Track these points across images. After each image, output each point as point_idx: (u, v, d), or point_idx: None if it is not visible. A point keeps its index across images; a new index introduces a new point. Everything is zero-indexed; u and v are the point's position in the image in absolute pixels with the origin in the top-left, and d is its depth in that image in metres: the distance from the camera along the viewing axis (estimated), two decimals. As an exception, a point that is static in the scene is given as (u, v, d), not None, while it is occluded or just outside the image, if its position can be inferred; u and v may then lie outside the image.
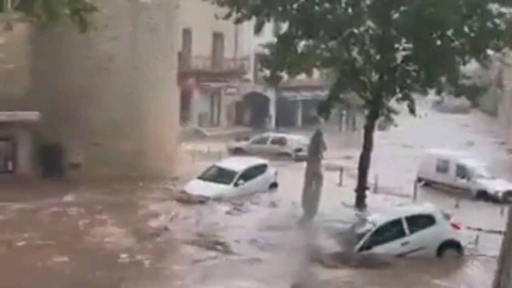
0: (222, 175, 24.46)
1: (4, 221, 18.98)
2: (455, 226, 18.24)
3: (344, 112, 45.99)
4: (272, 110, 51.41)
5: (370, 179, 24.91)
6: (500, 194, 26.39)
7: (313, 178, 21.07)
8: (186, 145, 32.79)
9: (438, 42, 20.98)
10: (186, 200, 22.80)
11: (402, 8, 21.09)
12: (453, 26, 20.13)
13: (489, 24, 20.22)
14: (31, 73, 23.74)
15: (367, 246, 17.21)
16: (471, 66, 23.87)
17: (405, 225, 17.52)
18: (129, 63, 24.24)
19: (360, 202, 23.32)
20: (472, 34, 20.52)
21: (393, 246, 17.35)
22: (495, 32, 20.19)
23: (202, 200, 22.63)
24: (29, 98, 23.16)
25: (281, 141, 37.38)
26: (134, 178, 23.34)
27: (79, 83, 23.64)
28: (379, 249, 17.22)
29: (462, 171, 28.10)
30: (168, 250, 17.98)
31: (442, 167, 28.93)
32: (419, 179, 29.07)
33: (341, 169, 28.17)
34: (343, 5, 21.48)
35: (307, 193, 21.07)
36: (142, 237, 18.19)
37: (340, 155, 33.23)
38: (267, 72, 23.04)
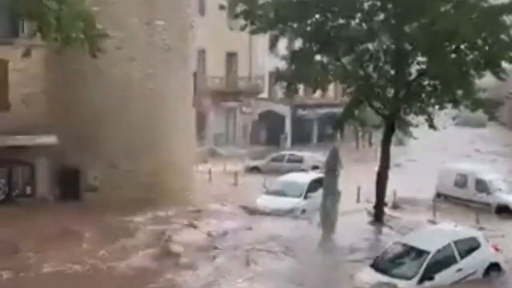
0: (290, 189, 25.11)
1: (25, 245, 18.91)
2: (495, 248, 17.51)
3: (360, 129, 45.86)
4: (287, 128, 51.39)
5: (388, 195, 24.78)
6: (521, 208, 26.10)
7: (330, 196, 20.99)
8: (203, 166, 32.85)
9: (453, 56, 20.91)
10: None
11: (415, 23, 21.08)
12: (467, 39, 20.06)
13: (503, 36, 20.12)
14: (47, 96, 23.95)
15: (429, 277, 15.60)
16: (487, 79, 23.74)
17: (455, 251, 16.38)
18: (145, 84, 24.35)
19: (379, 218, 23.17)
20: (487, 47, 20.43)
21: (449, 274, 16.05)
22: (509, 44, 20.08)
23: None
24: (46, 122, 23.34)
25: (297, 159, 37.34)
26: (152, 201, 23.30)
27: (95, 106, 23.76)
28: (439, 278, 15.78)
29: (481, 185, 27.82)
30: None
31: (461, 181, 28.67)
32: (438, 194, 28.84)
33: (358, 186, 28.03)
34: (357, 20, 21.54)
35: (325, 210, 20.98)
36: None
37: (357, 171, 33.06)
38: (283, 84, 23.10)
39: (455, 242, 16.52)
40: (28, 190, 24.40)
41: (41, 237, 19.42)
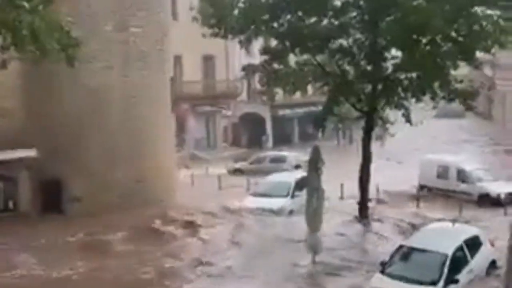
0: (276, 189, 25.19)
1: (10, 261, 18.70)
2: (491, 243, 16.93)
3: (341, 126, 46.08)
4: (268, 129, 51.48)
5: (372, 191, 24.93)
6: (502, 196, 26.38)
7: (314, 194, 21.02)
8: (184, 171, 32.77)
9: (427, 48, 21.09)
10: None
11: (388, 18, 21.23)
12: (439, 31, 20.24)
13: (476, 26, 20.33)
14: (25, 109, 23.75)
15: (455, 280, 14.55)
16: (463, 70, 23.98)
17: (466, 251, 15.46)
18: (123, 92, 24.26)
19: (363, 214, 23.29)
20: (460, 38, 20.63)
21: (463, 276, 15.05)
22: (482, 34, 20.30)
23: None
24: (25, 135, 23.13)
25: (280, 159, 37.44)
26: (134, 208, 23.18)
27: (74, 116, 23.62)
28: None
29: (463, 176, 28.13)
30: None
31: (443, 172, 28.95)
32: (421, 187, 29.07)
33: (341, 183, 28.15)
34: (328, 18, 21.64)
35: (310, 209, 21.00)
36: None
37: (339, 169, 33.19)
38: (261, 89, 23.21)
39: (465, 242, 15.67)
40: (11, 204, 24.17)
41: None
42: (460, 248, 15.37)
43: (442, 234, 16.64)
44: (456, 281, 14.48)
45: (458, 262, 15.02)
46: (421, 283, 14.52)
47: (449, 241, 15.66)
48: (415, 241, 16.32)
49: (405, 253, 15.79)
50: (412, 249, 15.72)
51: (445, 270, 14.55)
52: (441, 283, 14.36)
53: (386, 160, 37.29)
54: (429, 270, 14.81)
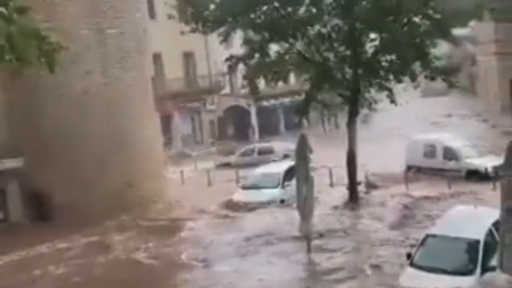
0: (266, 181, 25.30)
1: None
2: None
3: (325, 112, 46.18)
4: (254, 121, 51.45)
5: (360, 174, 25.07)
6: (489, 170, 26.54)
7: (304, 182, 21.10)
8: (173, 169, 32.74)
9: (404, 29, 21.18)
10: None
11: (363, 1, 21.29)
12: (414, 11, 20.33)
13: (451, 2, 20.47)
14: (9, 119, 23.64)
15: (492, 267, 13.07)
16: (443, 48, 24.11)
17: (495, 234, 13.66)
18: (105, 95, 24.20)
19: (353, 198, 23.42)
20: (437, 15, 20.73)
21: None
22: (458, 10, 20.41)
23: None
24: (11, 144, 23.05)
25: (268, 150, 37.44)
26: (125, 211, 23.17)
27: (58, 122, 23.54)
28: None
29: (450, 153, 28.22)
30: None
31: (429, 151, 29.02)
32: (408, 167, 29.15)
33: (330, 169, 28.25)
34: (304, 6, 21.66)
35: (300, 197, 21.09)
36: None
37: (327, 155, 33.29)
38: (244, 82, 23.22)
39: (494, 225, 13.96)
40: (1, 215, 24.07)
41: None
42: (490, 233, 13.93)
43: (469, 219, 15.10)
44: (493, 268, 12.90)
45: (489, 247, 13.57)
46: (456, 273, 13.33)
47: (477, 226, 14.20)
48: (441, 228, 14.89)
49: (433, 243, 14.37)
50: (441, 238, 14.30)
51: (479, 257, 13.37)
52: (478, 271, 13.21)
53: (373, 141, 37.45)
54: (463, 258, 13.70)
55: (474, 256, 13.46)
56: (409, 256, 14.32)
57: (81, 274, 18.10)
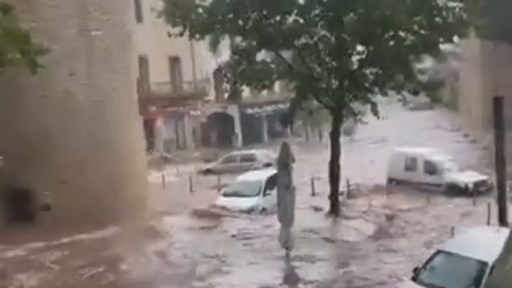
0: (247, 188, 25.23)
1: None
2: None
3: (309, 122, 46.35)
4: (237, 128, 51.53)
5: (342, 184, 25.14)
6: (470, 186, 26.76)
7: (286, 191, 21.10)
8: (155, 173, 32.63)
9: (391, 43, 21.32)
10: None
11: (351, 14, 21.40)
12: (402, 26, 20.49)
13: (437, 19, 20.63)
14: (-11, 118, 23.42)
15: None
16: (427, 63, 24.28)
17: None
18: (88, 97, 23.99)
19: (334, 208, 23.46)
20: (422, 31, 20.91)
21: None
22: (444, 26, 20.60)
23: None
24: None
25: (250, 158, 37.48)
26: (106, 214, 22.94)
27: (40, 123, 23.30)
28: None
29: (430, 167, 28.45)
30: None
31: (411, 164, 29.24)
32: (390, 180, 29.31)
33: (312, 179, 28.30)
34: (293, 15, 21.73)
35: (282, 206, 21.07)
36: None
37: (309, 164, 33.38)
38: (227, 88, 23.22)
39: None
40: (-22, 215, 23.78)
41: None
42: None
43: (485, 239, 14.05)
44: None
45: None
46: None
47: (491, 247, 12.49)
48: (453, 246, 14.13)
49: (441, 260, 13.63)
50: (449, 255, 13.55)
51: (483, 280, 12.39)
52: None
53: (356, 153, 37.61)
54: (467, 279, 12.84)
55: (479, 278, 12.59)
56: (415, 270, 13.66)
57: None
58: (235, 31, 21.96)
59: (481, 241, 13.98)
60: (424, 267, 13.58)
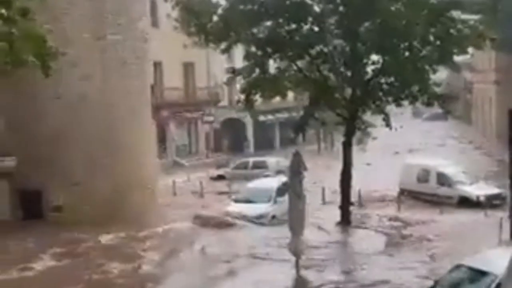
0: (258, 195, 25.20)
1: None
2: None
3: (321, 131, 46.29)
4: (250, 135, 51.55)
5: (353, 194, 25.04)
6: (482, 199, 26.59)
7: (296, 199, 21.06)
8: (166, 178, 32.68)
9: (406, 53, 21.29)
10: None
11: (367, 23, 21.39)
12: (418, 36, 20.46)
13: (453, 31, 20.59)
14: (4, 119, 23.58)
15: None
16: (441, 74, 24.20)
17: None
18: (102, 100, 24.12)
19: (345, 218, 23.37)
20: (438, 42, 20.87)
21: None
22: (459, 37, 20.56)
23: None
24: (4, 144, 22.97)
25: (261, 165, 37.46)
26: (115, 217, 22.98)
27: (53, 125, 23.45)
28: None
29: (443, 179, 28.29)
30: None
31: (423, 176, 29.11)
32: (402, 191, 29.20)
33: (323, 188, 28.24)
34: (308, 24, 21.75)
35: (293, 214, 21.03)
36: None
37: (321, 173, 33.32)
38: (241, 96, 23.24)
39: None
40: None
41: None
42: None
43: (501, 253, 13.54)
44: None
45: None
46: None
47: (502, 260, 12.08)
48: (473, 260, 13.68)
49: (459, 274, 13.33)
50: (467, 269, 13.27)
51: None
52: None
53: (367, 164, 37.48)
54: None
55: None
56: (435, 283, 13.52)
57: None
58: (250, 40, 22.02)
59: (502, 257, 12.68)
60: (441, 281, 13.38)
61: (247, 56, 22.57)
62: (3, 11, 13.65)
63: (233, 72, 23.08)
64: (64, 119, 23.50)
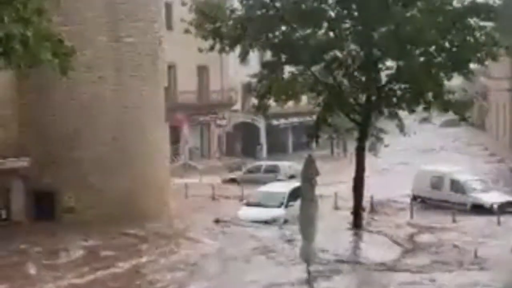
0: (270, 199, 25.15)
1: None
2: None
3: (335, 136, 46.14)
4: (262, 139, 51.47)
5: (366, 200, 24.95)
6: (495, 206, 26.39)
7: (309, 205, 21.00)
8: (178, 181, 32.70)
9: (421, 59, 21.19)
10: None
11: (382, 29, 21.32)
12: (433, 42, 20.35)
13: (469, 38, 20.46)
14: (19, 119, 23.75)
15: None
16: (456, 81, 24.06)
17: None
18: (116, 102, 24.24)
19: (357, 224, 23.29)
20: (454, 49, 20.75)
21: None
22: (476, 45, 20.43)
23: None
24: (18, 144, 23.13)
25: (274, 169, 37.38)
26: (128, 218, 23.06)
27: (67, 126, 23.60)
28: None
29: (456, 186, 28.09)
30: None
31: (436, 183, 28.92)
32: (415, 197, 29.05)
33: (335, 193, 28.16)
34: (323, 29, 21.72)
35: (304, 220, 20.97)
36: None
37: (333, 179, 33.20)
38: (255, 101, 23.26)
39: None
40: (4, 214, 24.07)
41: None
42: None
43: None
44: None
45: None
46: None
47: None
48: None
49: None
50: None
51: None
52: None
53: (381, 170, 37.35)
54: None
55: None
56: None
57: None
58: (265, 45, 22.03)
59: None
60: None
61: (263, 65, 22.65)
62: (19, 11, 13.72)
63: (253, 90, 23.24)
64: (78, 120, 23.63)
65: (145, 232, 22.50)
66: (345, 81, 22.69)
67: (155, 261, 19.37)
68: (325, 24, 21.65)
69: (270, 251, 20.50)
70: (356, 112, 22.89)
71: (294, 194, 24.64)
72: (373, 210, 27.05)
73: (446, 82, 22.04)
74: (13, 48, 13.77)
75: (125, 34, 24.37)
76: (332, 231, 22.66)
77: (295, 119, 51.20)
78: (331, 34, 21.78)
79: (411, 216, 25.89)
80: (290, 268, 18.48)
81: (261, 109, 23.26)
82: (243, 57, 21.96)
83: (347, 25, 21.76)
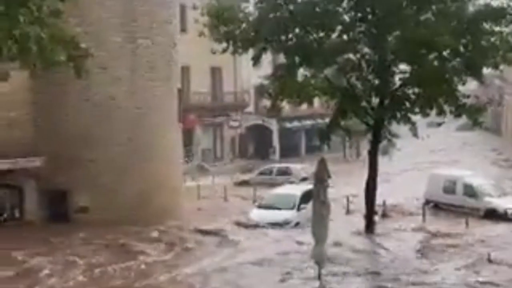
0: (282, 202, 25.18)
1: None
2: None
3: (347, 139, 46.06)
4: (275, 141, 51.48)
5: (378, 204, 24.86)
6: (509, 211, 26.22)
7: (321, 207, 20.96)
8: (191, 182, 32.77)
9: (435, 63, 21.09)
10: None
11: (396, 32, 21.25)
12: (447, 46, 20.25)
13: (483, 42, 20.35)
14: (33, 119, 23.90)
15: None
16: (470, 85, 23.93)
17: None
18: (130, 103, 24.35)
19: (369, 227, 23.22)
20: (468, 53, 20.64)
21: None
22: (490, 49, 20.31)
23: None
24: (32, 144, 23.25)
25: (286, 171, 37.41)
26: (140, 220, 23.12)
27: (81, 127, 23.72)
28: None
29: (470, 191, 27.90)
30: None
31: (449, 187, 28.74)
32: (427, 201, 28.92)
33: (347, 196, 28.10)
34: (337, 32, 21.69)
35: (316, 221, 20.94)
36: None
37: (346, 181, 33.15)
38: (268, 103, 23.27)
39: None
40: (17, 213, 24.23)
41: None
42: None
43: None
44: None
45: None
46: None
47: None
48: None
49: None
50: None
51: None
52: None
53: (399, 172, 37.25)
54: None
55: None
56: None
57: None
58: (278, 47, 22.04)
59: None
60: None
61: (277, 68, 22.65)
62: (34, 12, 13.83)
63: (266, 92, 23.27)
64: (92, 120, 23.75)
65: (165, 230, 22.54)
66: (359, 85, 22.63)
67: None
68: (339, 27, 21.60)
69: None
70: (369, 115, 22.82)
71: (306, 197, 24.61)
72: (385, 214, 26.96)
73: (460, 87, 21.92)
74: (29, 48, 13.88)
75: (140, 36, 24.48)
76: (344, 235, 22.63)
77: (308, 122, 51.19)
78: (345, 37, 21.72)
79: (423, 221, 25.76)
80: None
81: (274, 110, 23.25)
82: (256, 60, 21.95)
83: (361, 29, 21.69)
